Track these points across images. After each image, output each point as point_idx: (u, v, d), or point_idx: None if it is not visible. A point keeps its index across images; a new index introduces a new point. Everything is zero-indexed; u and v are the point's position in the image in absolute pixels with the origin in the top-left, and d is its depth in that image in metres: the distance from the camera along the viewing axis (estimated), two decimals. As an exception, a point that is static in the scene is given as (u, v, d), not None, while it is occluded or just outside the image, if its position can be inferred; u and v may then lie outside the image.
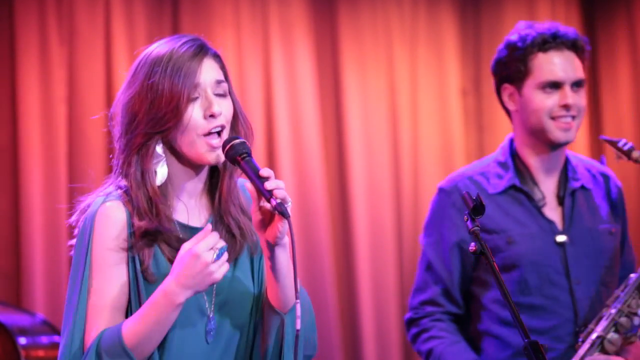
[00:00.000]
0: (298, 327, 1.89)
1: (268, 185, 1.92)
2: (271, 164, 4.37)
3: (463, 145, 4.77)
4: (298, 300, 1.90)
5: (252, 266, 2.12)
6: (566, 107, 2.86)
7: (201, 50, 2.05)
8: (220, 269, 1.93)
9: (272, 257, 2.00)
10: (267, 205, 1.94)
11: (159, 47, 2.10)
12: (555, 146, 2.91)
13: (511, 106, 2.94)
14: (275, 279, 2.02)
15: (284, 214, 1.91)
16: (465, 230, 2.86)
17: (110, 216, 2.02)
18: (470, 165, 3.06)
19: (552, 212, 2.93)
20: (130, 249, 2.00)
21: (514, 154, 2.96)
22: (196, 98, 2.03)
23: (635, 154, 2.88)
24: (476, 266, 2.91)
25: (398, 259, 4.60)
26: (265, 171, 1.94)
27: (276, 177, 1.96)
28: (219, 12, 4.43)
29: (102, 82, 4.20)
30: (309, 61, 4.58)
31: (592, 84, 5.07)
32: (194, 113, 2.01)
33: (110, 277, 1.99)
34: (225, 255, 1.94)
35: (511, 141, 2.99)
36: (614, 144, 2.91)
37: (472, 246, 2.11)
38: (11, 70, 4.11)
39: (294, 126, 4.52)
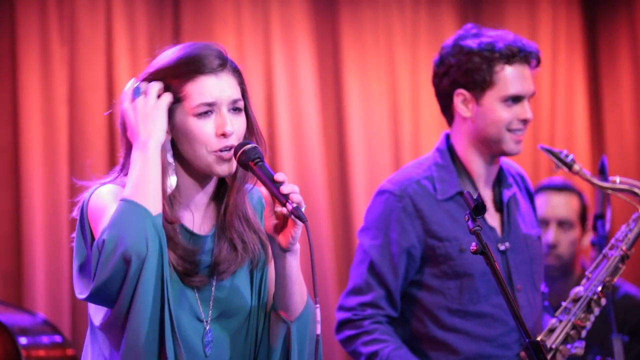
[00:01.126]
0: (318, 332, 1.88)
1: (284, 189, 1.93)
2: (272, 164, 4.36)
3: (464, 146, 4.77)
4: (318, 305, 1.89)
5: (251, 280, 2.10)
6: (525, 121, 2.87)
7: (220, 64, 2.03)
8: (150, 102, 1.98)
9: (282, 264, 2.00)
10: (283, 210, 1.93)
11: (177, 53, 2.07)
12: (500, 156, 2.91)
13: (464, 112, 2.89)
14: (284, 285, 2.02)
15: (301, 218, 1.91)
16: (414, 236, 2.85)
17: (105, 193, 2.00)
18: (409, 167, 3.00)
19: (492, 219, 2.92)
20: None
21: (453, 157, 2.94)
22: (209, 113, 2.01)
23: (576, 167, 2.87)
24: (420, 271, 2.88)
25: (399, 259, 4.60)
26: (279, 175, 1.95)
27: None
28: (220, 12, 4.43)
29: (103, 82, 4.20)
30: (310, 62, 4.58)
31: (593, 84, 5.07)
32: (206, 129, 2.00)
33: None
34: (146, 93, 1.99)
35: (448, 143, 2.96)
36: (555, 155, 2.91)
37: (473, 246, 2.11)
38: (12, 70, 4.11)
39: (295, 126, 4.52)
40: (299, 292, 2.04)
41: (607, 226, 3.17)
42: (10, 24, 4.12)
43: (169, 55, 2.07)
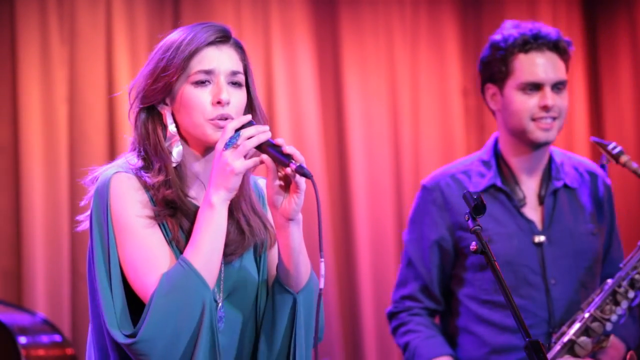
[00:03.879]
0: (321, 285, 1.89)
1: (286, 150, 1.94)
2: (272, 163, 4.36)
3: (464, 145, 4.77)
4: (322, 259, 1.89)
5: (257, 263, 2.12)
6: (546, 108, 2.87)
7: (222, 38, 2.06)
8: (236, 160, 1.92)
9: (286, 234, 2.01)
10: (287, 170, 1.94)
11: (182, 31, 2.08)
12: (536, 146, 2.92)
13: (494, 106, 2.95)
14: (288, 257, 2.03)
15: (307, 175, 1.92)
16: (444, 228, 2.91)
17: (126, 182, 2.01)
18: (455, 163, 3.06)
19: (532, 212, 2.93)
20: (156, 216, 2.00)
21: (497, 153, 2.97)
22: (207, 83, 2.03)
23: (623, 158, 2.87)
24: (455, 264, 2.94)
25: (399, 257, 4.59)
26: (279, 140, 1.96)
27: None
28: (220, 12, 4.43)
29: (103, 81, 4.20)
30: (310, 62, 4.58)
31: (593, 84, 5.07)
32: (202, 97, 2.02)
33: (149, 235, 1.98)
34: (242, 146, 1.93)
35: (496, 140, 3.00)
36: (604, 146, 2.90)
37: (473, 245, 2.11)
38: (12, 69, 4.11)
39: (295, 126, 4.52)
40: (303, 262, 2.05)
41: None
42: (11, 23, 4.12)
43: (179, 35, 2.07)
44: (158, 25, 4.33)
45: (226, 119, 2.02)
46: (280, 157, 1.94)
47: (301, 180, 1.96)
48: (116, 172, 2.02)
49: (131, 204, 1.99)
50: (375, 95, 4.69)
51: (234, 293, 2.07)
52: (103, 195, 2.00)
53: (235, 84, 2.05)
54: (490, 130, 4.80)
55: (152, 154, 2.04)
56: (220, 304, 2.05)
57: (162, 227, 2.02)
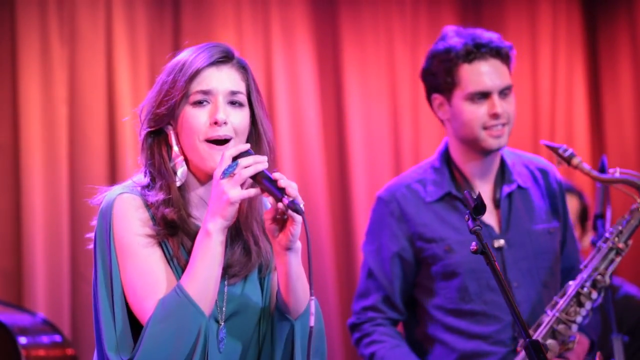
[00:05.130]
0: (312, 324, 1.90)
1: (280, 184, 1.94)
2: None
3: (464, 145, 4.77)
4: (313, 297, 1.90)
5: (261, 284, 2.13)
6: (496, 116, 2.88)
7: (223, 58, 2.06)
8: (232, 190, 1.92)
9: (284, 262, 2.01)
10: (280, 205, 1.94)
11: (187, 52, 2.09)
12: (488, 153, 2.93)
13: (442, 115, 2.96)
14: (286, 284, 2.03)
15: (298, 211, 1.92)
16: (404, 239, 2.92)
17: (129, 202, 2.02)
18: (408, 172, 3.07)
19: (489, 216, 2.94)
20: (157, 234, 2.00)
21: (448, 159, 2.98)
22: (205, 103, 2.03)
23: (575, 161, 2.87)
24: (418, 273, 2.94)
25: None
26: (276, 174, 1.96)
27: None
28: (220, 13, 4.43)
29: (103, 83, 4.20)
30: (310, 62, 4.58)
31: (593, 84, 5.07)
32: (200, 117, 2.02)
33: (148, 256, 1.99)
34: (238, 175, 1.92)
35: (446, 146, 3.00)
36: (554, 149, 2.91)
37: (473, 245, 2.11)
38: (12, 71, 4.11)
39: (295, 126, 4.52)
40: (301, 289, 2.04)
41: (608, 226, 3.16)
42: (11, 25, 4.12)
43: (182, 57, 2.08)
44: (158, 26, 4.32)
45: (224, 140, 2.02)
46: (274, 191, 1.93)
47: (295, 214, 1.95)
48: (120, 194, 2.03)
49: (132, 224, 2.00)
50: (375, 95, 4.69)
51: (236, 315, 2.08)
52: (106, 217, 2.01)
53: (236, 104, 2.05)
54: (490, 130, 4.81)
55: (156, 174, 2.05)
56: (221, 325, 2.05)
57: (164, 245, 2.02)
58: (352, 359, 4.54)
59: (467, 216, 2.13)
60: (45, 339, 3.60)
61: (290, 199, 1.92)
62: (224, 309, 2.06)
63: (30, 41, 4.11)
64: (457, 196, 2.92)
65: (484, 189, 2.95)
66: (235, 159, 1.96)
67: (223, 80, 2.04)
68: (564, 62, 4.97)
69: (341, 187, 4.62)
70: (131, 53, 4.23)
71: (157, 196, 2.02)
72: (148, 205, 2.02)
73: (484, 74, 2.88)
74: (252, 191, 1.95)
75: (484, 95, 2.88)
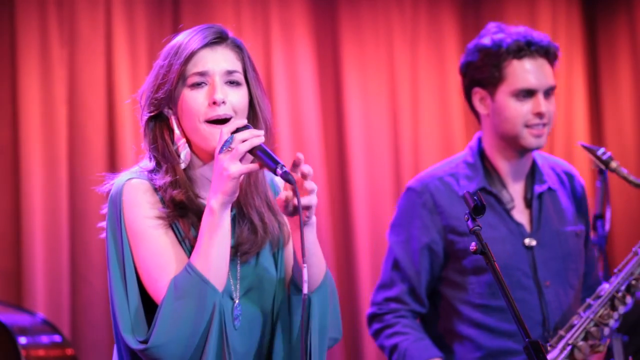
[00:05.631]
0: (305, 291, 1.90)
1: (274, 155, 1.96)
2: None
3: (464, 144, 4.75)
4: (305, 265, 1.90)
5: (275, 259, 2.13)
6: (539, 115, 2.88)
7: (217, 39, 2.07)
8: (232, 165, 1.93)
9: (299, 237, 2.01)
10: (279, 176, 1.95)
11: (182, 36, 2.10)
12: (526, 151, 2.93)
13: (482, 110, 2.96)
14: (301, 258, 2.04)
15: (290, 181, 1.92)
16: (435, 232, 2.91)
17: (138, 187, 2.04)
18: (439, 165, 3.06)
19: (521, 215, 2.95)
20: (167, 216, 2.02)
21: (482, 155, 2.98)
22: (202, 84, 2.04)
23: (613, 164, 2.88)
24: (445, 267, 2.93)
25: (399, 259, 4.60)
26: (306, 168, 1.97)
27: None
28: (219, 13, 4.43)
29: (103, 83, 4.20)
30: (309, 61, 4.58)
31: (593, 84, 5.07)
32: (198, 99, 2.04)
33: (160, 237, 2.01)
34: (236, 150, 1.93)
35: (479, 141, 3.00)
36: (593, 152, 2.91)
37: (473, 245, 2.11)
38: (12, 71, 4.11)
39: (295, 126, 4.52)
40: (316, 264, 2.06)
41: (607, 226, 3.16)
42: (10, 25, 4.12)
43: (177, 40, 2.09)
44: (158, 26, 4.33)
45: (224, 119, 2.03)
46: (268, 162, 1.94)
47: (310, 184, 1.96)
48: (129, 179, 2.05)
49: (142, 208, 2.02)
50: (375, 94, 4.69)
51: (251, 291, 2.09)
52: (116, 203, 2.03)
53: (233, 83, 2.07)
54: (490, 130, 4.81)
55: (160, 157, 2.07)
56: (237, 302, 2.06)
57: (175, 227, 2.04)
58: (353, 357, 4.54)
59: (466, 216, 2.13)
60: (44, 339, 3.60)
61: (284, 169, 1.92)
62: (238, 286, 2.07)
63: (30, 41, 4.11)
64: (491, 192, 2.92)
65: (516, 188, 2.96)
66: (233, 134, 1.98)
67: (218, 60, 2.05)
68: (564, 62, 4.97)
69: (341, 185, 4.62)
70: (131, 53, 4.23)
71: (164, 179, 2.03)
72: (156, 189, 2.04)
73: (532, 71, 2.89)
74: (252, 165, 1.96)
75: (530, 93, 2.89)
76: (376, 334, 2.98)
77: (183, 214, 2.04)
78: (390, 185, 4.65)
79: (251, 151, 1.96)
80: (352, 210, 4.58)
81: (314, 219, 2.01)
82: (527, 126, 2.88)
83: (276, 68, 4.50)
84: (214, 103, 2.02)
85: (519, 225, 2.91)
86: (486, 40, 2.93)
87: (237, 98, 2.06)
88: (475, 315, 2.88)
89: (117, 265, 2.02)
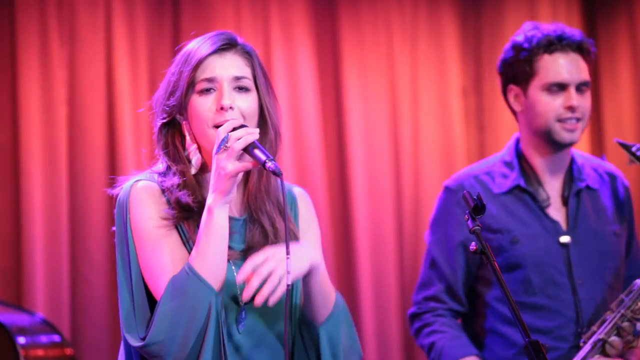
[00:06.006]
0: (289, 282, 1.93)
1: (265, 150, 1.99)
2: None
3: (464, 145, 4.77)
4: (289, 256, 1.93)
5: None
6: (571, 108, 2.89)
7: (226, 45, 2.10)
8: (229, 163, 1.96)
9: (305, 280, 2.10)
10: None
11: (193, 43, 2.14)
12: (560, 147, 2.92)
13: (517, 107, 2.96)
14: (308, 297, 2.11)
15: (277, 173, 1.95)
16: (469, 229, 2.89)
17: (145, 189, 2.07)
18: (477, 164, 3.08)
19: (557, 212, 2.94)
20: (172, 218, 2.05)
21: (519, 154, 2.98)
22: (211, 90, 2.07)
23: None
24: (481, 265, 2.93)
25: (399, 259, 4.60)
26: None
27: None
28: (219, 13, 4.43)
29: (103, 83, 4.20)
30: (309, 61, 4.58)
31: (592, 83, 5.05)
32: (206, 105, 2.07)
33: (164, 237, 2.03)
34: (231, 148, 1.95)
35: (517, 141, 3.00)
36: (627, 148, 2.91)
37: (473, 245, 2.11)
38: (12, 71, 4.11)
39: (295, 126, 4.52)
40: (322, 302, 2.12)
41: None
42: (10, 25, 4.12)
43: (188, 47, 2.13)
44: (158, 26, 4.32)
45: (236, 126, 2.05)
46: (257, 157, 1.97)
47: (262, 269, 1.99)
48: (136, 181, 2.08)
49: (148, 209, 2.05)
50: (375, 95, 4.69)
51: None
52: (123, 204, 2.07)
53: (242, 89, 2.09)
54: (490, 131, 4.80)
55: (171, 162, 2.10)
56: (242, 307, 2.08)
57: (180, 228, 2.06)
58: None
59: (466, 216, 2.13)
60: (44, 339, 3.60)
61: (274, 163, 1.95)
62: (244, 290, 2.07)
63: (30, 41, 4.11)
64: (526, 189, 2.92)
65: (553, 185, 2.96)
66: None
67: (226, 66, 2.08)
68: (564, 62, 4.97)
69: (341, 186, 4.61)
70: (131, 53, 4.23)
71: (171, 181, 2.07)
72: (164, 191, 2.07)
73: (563, 65, 2.90)
74: (248, 164, 1.98)
75: (561, 87, 2.90)
76: (416, 333, 2.99)
77: (188, 216, 2.06)
78: (390, 185, 4.65)
79: (247, 150, 1.98)
80: (352, 210, 4.57)
81: (306, 268, 2.06)
82: (560, 120, 2.88)
83: (276, 68, 4.50)
84: (222, 109, 2.05)
85: (554, 222, 2.91)
86: (519, 38, 2.94)
87: (245, 104, 2.08)
88: (508, 312, 2.88)
89: (122, 265, 2.06)
